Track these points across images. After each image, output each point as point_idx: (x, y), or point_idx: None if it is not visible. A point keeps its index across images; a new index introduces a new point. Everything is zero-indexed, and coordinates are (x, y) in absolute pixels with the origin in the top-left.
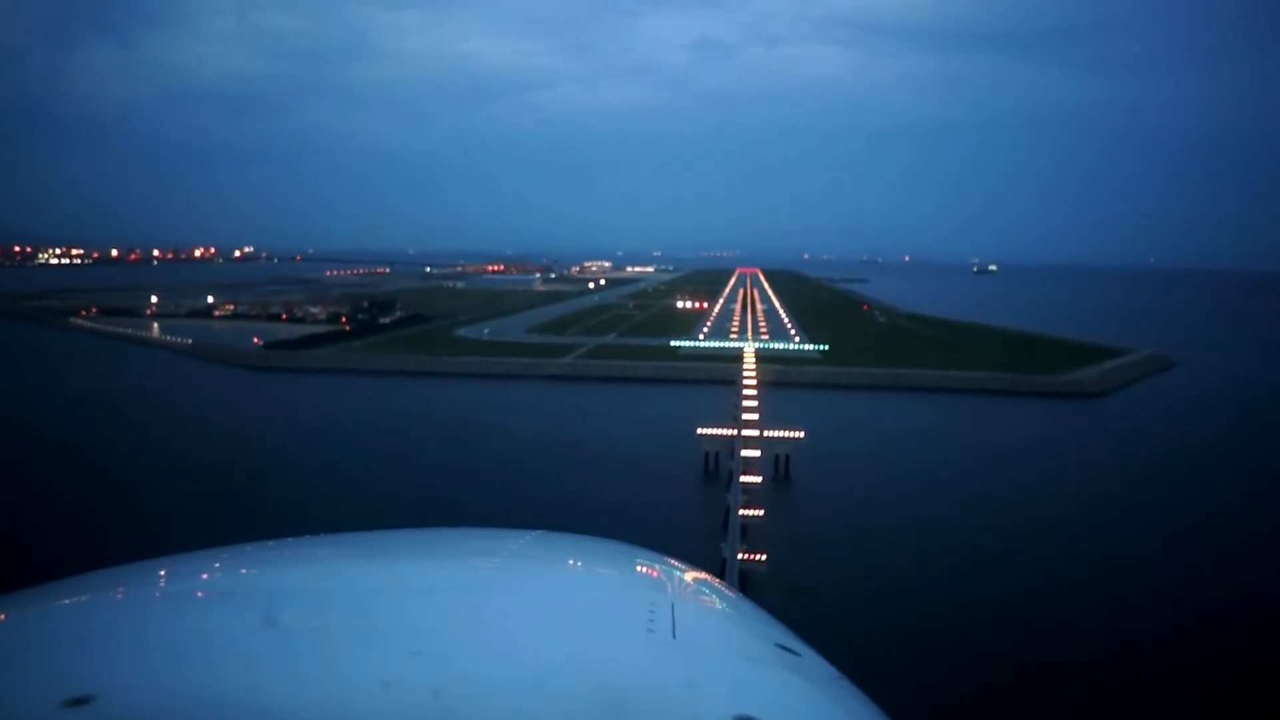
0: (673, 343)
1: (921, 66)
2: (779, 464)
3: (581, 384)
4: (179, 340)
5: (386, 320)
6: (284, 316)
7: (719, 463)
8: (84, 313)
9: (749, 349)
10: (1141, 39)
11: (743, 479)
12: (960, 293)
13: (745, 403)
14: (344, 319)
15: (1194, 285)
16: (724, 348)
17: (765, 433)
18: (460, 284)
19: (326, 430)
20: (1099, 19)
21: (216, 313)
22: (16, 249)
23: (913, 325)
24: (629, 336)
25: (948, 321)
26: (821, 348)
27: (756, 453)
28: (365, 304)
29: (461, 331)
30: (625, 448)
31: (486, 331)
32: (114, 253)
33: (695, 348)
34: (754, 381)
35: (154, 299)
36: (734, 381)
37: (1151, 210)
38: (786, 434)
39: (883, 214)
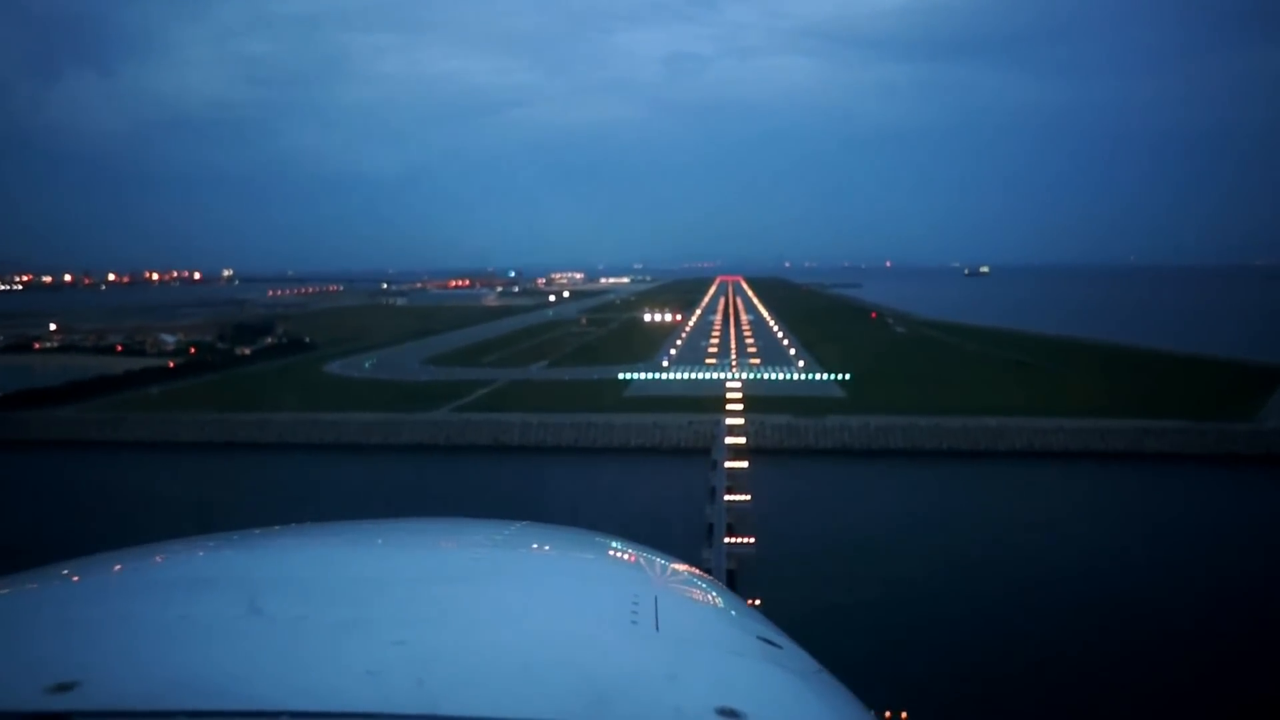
0: (622, 375)
1: (893, 74)
2: None
3: (445, 458)
4: None
5: (247, 350)
6: (119, 348)
7: None
8: None
9: (734, 383)
10: (1105, 42)
11: None
12: (968, 296)
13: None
14: (193, 350)
15: (1202, 282)
16: (696, 381)
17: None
18: (401, 301)
19: None
20: (1065, 24)
21: (36, 345)
22: None
23: (947, 337)
24: (564, 367)
25: (989, 331)
26: (841, 377)
27: None
28: (229, 331)
29: (334, 365)
30: None
31: (368, 365)
32: (67, 277)
33: (653, 382)
34: (742, 455)
35: None
36: (707, 449)
37: (1125, 210)
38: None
39: (862, 220)
